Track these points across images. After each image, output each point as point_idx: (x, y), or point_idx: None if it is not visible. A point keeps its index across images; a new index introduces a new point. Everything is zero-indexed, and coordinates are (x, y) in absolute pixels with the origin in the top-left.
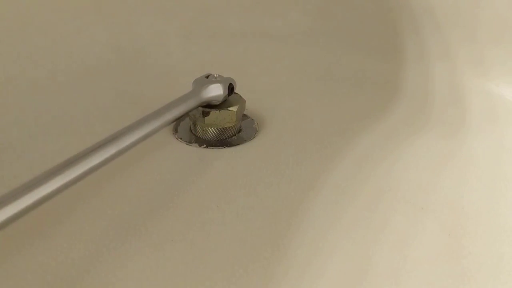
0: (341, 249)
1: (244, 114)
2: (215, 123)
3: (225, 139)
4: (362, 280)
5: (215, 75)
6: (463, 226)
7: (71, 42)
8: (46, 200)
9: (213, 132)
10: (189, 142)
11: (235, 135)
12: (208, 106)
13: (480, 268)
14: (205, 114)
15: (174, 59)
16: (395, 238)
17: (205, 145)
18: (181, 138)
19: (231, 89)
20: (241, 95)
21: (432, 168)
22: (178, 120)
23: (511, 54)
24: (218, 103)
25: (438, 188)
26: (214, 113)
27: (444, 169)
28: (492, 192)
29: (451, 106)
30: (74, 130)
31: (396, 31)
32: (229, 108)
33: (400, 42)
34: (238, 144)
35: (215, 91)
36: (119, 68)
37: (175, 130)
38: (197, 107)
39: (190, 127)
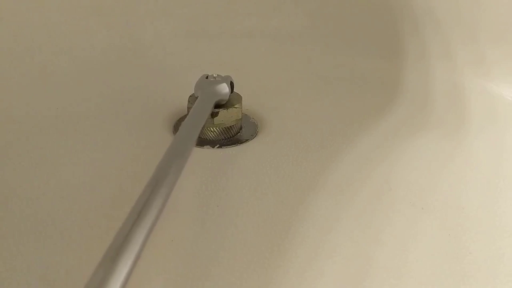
0: (341, 249)
1: None
2: (223, 123)
3: (231, 137)
4: (362, 280)
5: (214, 75)
6: (463, 226)
7: (71, 42)
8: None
9: (219, 131)
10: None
11: (239, 132)
12: (215, 107)
13: (480, 268)
14: (215, 114)
15: (174, 58)
16: (395, 238)
17: (218, 145)
18: None
19: (232, 86)
20: (240, 94)
21: (432, 168)
22: (179, 122)
23: (511, 54)
24: (224, 102)
25: (438, 188)
26: (222, 112)
27: (444, 169)
28: (492, 192)
29: (451, 106)
30: (74, 129)
31: (396, 31)
32: (235, 106)
33: (400, 42)
34: (247, 141)
35: (223, 90)
36: (119, 68)
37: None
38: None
39: None
